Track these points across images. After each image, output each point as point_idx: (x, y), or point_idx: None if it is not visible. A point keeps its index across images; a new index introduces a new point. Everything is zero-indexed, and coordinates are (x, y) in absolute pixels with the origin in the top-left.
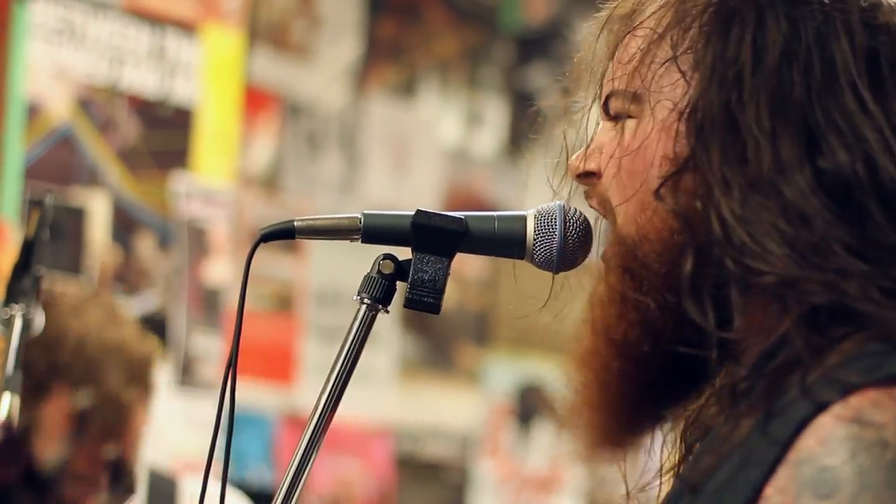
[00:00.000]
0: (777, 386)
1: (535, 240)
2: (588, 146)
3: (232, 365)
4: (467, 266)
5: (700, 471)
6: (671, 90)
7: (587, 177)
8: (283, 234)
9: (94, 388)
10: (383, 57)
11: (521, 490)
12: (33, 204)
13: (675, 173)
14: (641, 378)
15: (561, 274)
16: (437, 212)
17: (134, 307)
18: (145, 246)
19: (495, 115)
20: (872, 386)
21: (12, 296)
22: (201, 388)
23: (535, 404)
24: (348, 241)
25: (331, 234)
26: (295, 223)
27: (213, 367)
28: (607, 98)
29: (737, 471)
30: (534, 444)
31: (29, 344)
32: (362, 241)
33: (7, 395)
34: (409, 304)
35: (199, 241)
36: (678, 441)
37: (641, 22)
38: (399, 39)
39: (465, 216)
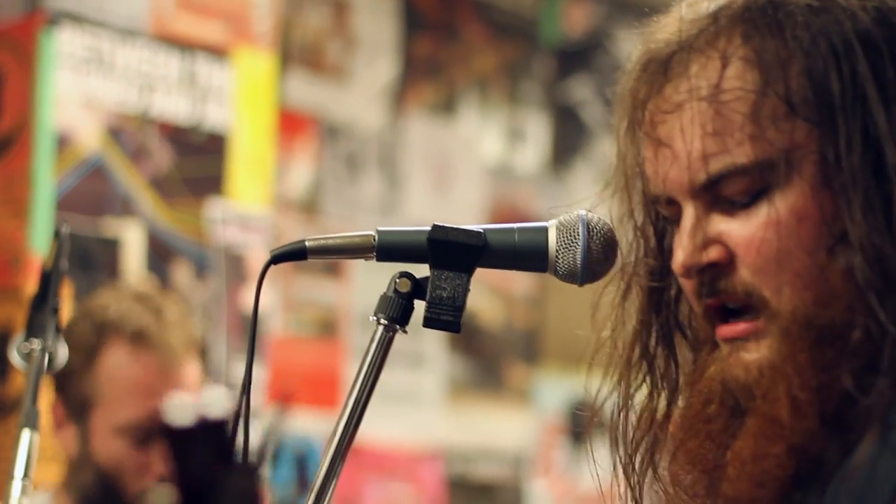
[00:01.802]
0: (891, 404)
1: (557, 251)
2: (691, 237)
3: (246, 389)
4: (515, 283)
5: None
6: (809, 141)
7: (711, 268)
8: (295, 256)
9: (145, 327)
10: (421, 75)
11: None
12: (55, 236)
13: (841, 232)
14: (816, 462)
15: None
16: (454, 226)
17: None
18: (182, 274)
19: (537, 130)
20: None
21: (31, 330)
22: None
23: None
24: (374, 262)
25: (344, 253)
26: (306, 243)
27: (255, 394)
28: (718, 178)
29: (865, 488)
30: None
31: (70, 325)
32: (377, 260)
33: (27, 432)
34: (427, 323)
35: (236, 268)
36: None
37: (717, 87)
38: (436, 57)
39: (484, 229)
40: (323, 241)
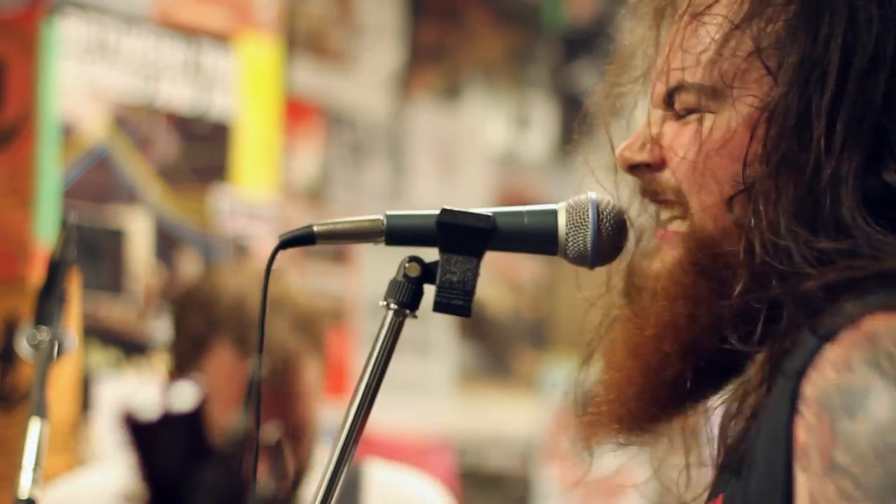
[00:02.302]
0: (787, 336)
1: (567, 234)
2: (639, 136)
3: (256, 376)
4: (523, 271)
5: (736, 448)
6: (756, 87)
7: (641, 168)
8: (303, 240)
9: (254, 335)
10: (426, 61)
11: (586, 497)
12: (63, 226)
13: (748, 185)
14: (687, 373)
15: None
16: (463, 210)
17: None
18: (188, 263)
19: (543, 117)
20: (879, 310)
21: (40, 319)
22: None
23: None
24: (391, 247)
25: (353, 237)
26: (315, 228)
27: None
28: (673, 90)
29: (765, 424)
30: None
31: (184, 303)
32: (386, 244)
33: (36, 421)
34: (437, 307)
35: (243, 257)
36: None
37: (709, 6)
38: (441, 43)
39: (494, 212)
40: (331, 226)
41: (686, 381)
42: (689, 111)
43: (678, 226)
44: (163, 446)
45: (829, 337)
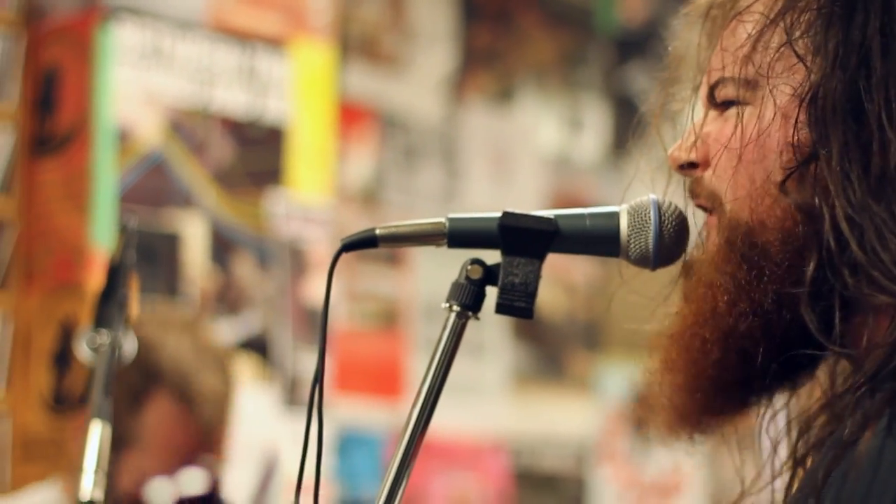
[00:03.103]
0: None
1: (629, 236)
2: (688, 136)
3: (318, 379)
4: (576, 272)
5: (820, 482)
6: (789, 76)
7: (691, 167)
8: (366, 244)
9: (193, 387)
10: (479, 65)
11: (641, 497)
12: (122, 230)
13: (801, 164)
14: (739, 368)
15: (672, 275)
16: (525, 213)
17: (236, 329)
18: (244, 267)
19: (596, 119)
20: None
21: (100, 322)
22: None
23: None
24: (444, 249)
25: (415, 240)
26: (377, 231)
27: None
28: (714, 86)
29: (870, 480)
30: (653, 450)
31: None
32: (449, 246)
33: (98, 422)
34: (500, 309)
35: (298, 260)
36: (790, 451)
37: (749, 7)
38: (494, 46)
39: (555, 215)
40: (394, 229)
41: (733, 370)
42: (729, 104)
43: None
44: None
45: None
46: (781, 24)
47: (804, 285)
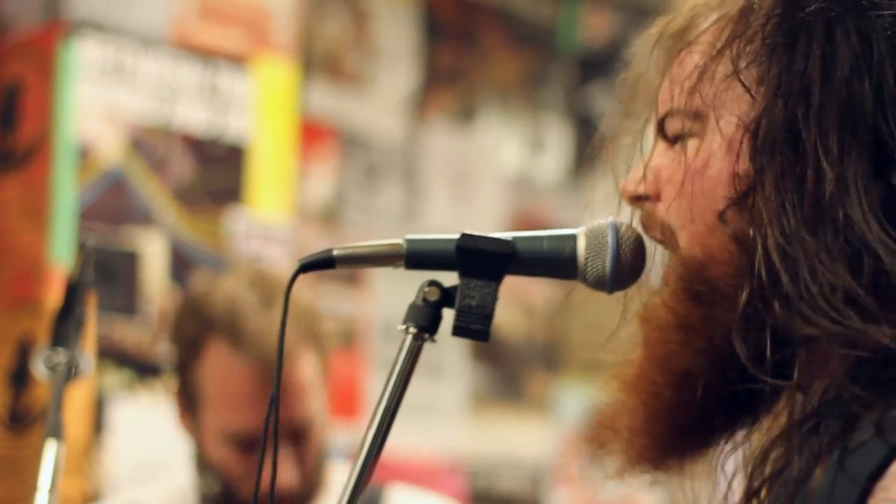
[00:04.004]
0: (850, 427)
1: (586, 258)
2: (641, 169)
3: (275, 401)
4: (534, 293)
5: None
6: (735, 106)
7: (641, 200)
8: (323, 264)
9: (247, 331)
10: (441, 84)
11: None
12: (81, 248)
13: (740, 195)
14: (695, 407)
15: (628, 298)
16: (483, 234)
17: None
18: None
19: (557, 139)
20: None
21: (57, 341)
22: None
23: None
24: (404, 270)
25: (372, 261)
26: (335, 252)
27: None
28: (664, 118)
29: None
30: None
31: (178, 313)
32: (406, 268)
33: (52, 443)
34: (456, 331)
35: None
36: (745, 481)
37: (697, 37)
38: (456, 66)
39: (513, 237)
40: (351, 250)
41: (690, 410)
42: (677, 138)
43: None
44: None
45: None
46: (728, 54)
47: (738, 315)
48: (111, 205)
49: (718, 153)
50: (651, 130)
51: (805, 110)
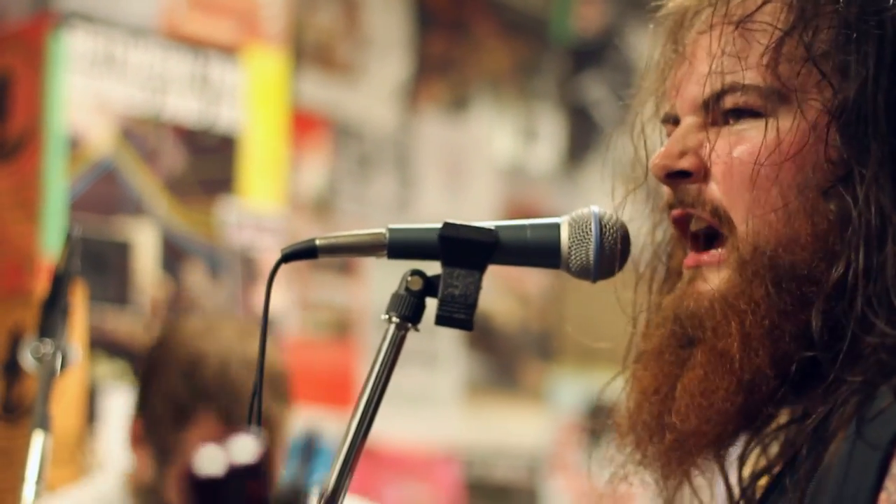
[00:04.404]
0: (867, 401)
1: (570, 247)
2: (675, 143)
3: (257, 391)
4: (530, 282)
5: (795, 492)
6: (816, 91)
7: (681, 177)
8: (305, 254)
9: (240, 408)
10: (433, 73)
11: None
12: (66, 238)
13: (840, 180)
14: (763, 405)
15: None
16: (466, 223)
17: None
18: (195, 275)
19: (550, 129)
20: None
21: (44, 331)
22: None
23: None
24: (398, 260)
25: (355, 251)
26: (317, 242)
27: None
28: (723, 93)
29: (840, 483)
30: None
31: (168, 372)
32: (388, 257)
33: (39, 434)
34: (439, 321)
35: (250, 269)
36: (752, 465)
37: (751, 16)
38: (449, 55)
39: (496, 226)
40: (333, 240)
41: (777, 392)
42: (745, 114)
43: (719, 254)
44: (228, 500)
45: None
46: (798, 38)
47: (825, 294)
48: (102, 195)
49: (809, 138)
50: (673, 105)
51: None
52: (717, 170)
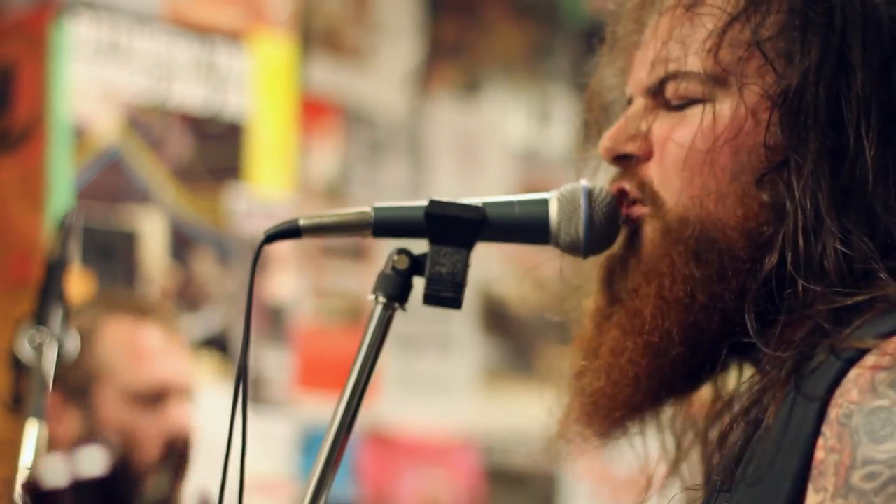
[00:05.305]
0: (804, 357)
1: (559, 223)
2: (625, 127)
3: (242, 376)
4: (545, 266)
5: (736, 454)
6: (758, 77)
7: (626, 159)
8: (289, 234)
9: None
10: (445, 58)
11: (614, 493)
12: (60, 225)
13: (775, 166)
14: (687, 355)
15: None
16: (452, 201)
17: (196, 326)
18: (204, 264)
19: (564, 111)
20: None
21: (40, 320)
22: (270, 406)
23: None
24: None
25: (340, 230)
26: (301, 222)
27: (281, 385)
28: (666, 79)
29: (780, 438)
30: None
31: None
32: (374, 236)
33: (34, 423)
34: (427, 300)
35: (260, 257)
36: (702, 445)
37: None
38: (460, 39)
39: (484, 202)
40: (318, 220)
41: (686, 364)
42: (686, 101)
43: (640, 209)
44: None
45: (854, 360)
46: (746, 23)
47: (757, 282)
48: (109, 184)
49: (746, 123)
50: (628, 87)
51: (847, 91)
52: (657, 154)
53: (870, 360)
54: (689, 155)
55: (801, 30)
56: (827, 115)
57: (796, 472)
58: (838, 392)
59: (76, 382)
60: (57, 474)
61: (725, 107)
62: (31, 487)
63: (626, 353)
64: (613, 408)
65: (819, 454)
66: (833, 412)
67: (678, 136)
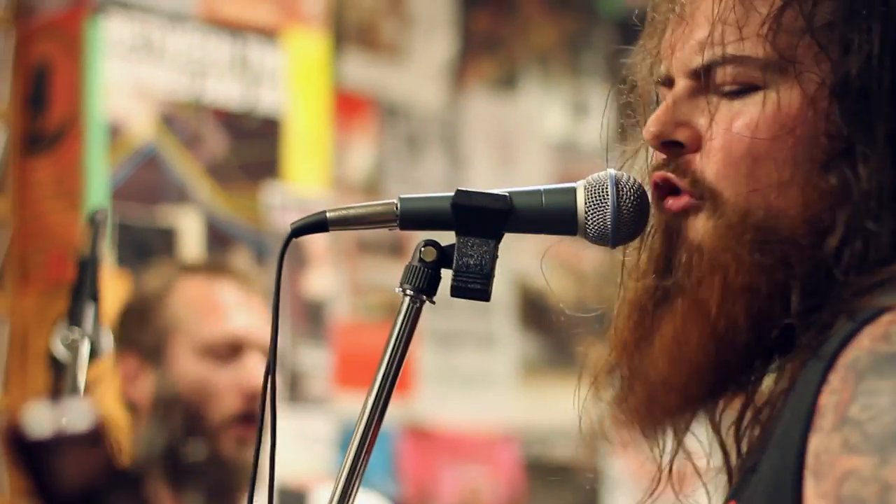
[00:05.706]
0: (826, 327)
1: (586, 213)
2: (669, 111)
3: (271, 371)
4: (584, 259)
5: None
6: (814, 64)
7: (673, 146)
8: (315, 228)
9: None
10: (480, 51)
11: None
12: (91, 223)
13: (839, 156)
14: (752, 344)
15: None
16: (479, 190)
17: None
18: (241, 261)
19: (600, 103)
20: None
21: (73, 319)
22: (310, 403)
23: None
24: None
25: (366, 223)
26: (327, 214)
27: (321, 381)
28: (716, 63)
29: (795, 399)
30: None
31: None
32: (400, 228)
33: None
34: (455, 292)
35: (296, 253)
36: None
37: None
38: (495, 32)
39: (510, 193)
40: (344, 212)
41: (750, 353)
42: (742, 87)
43: (687, 200)
44: (57, 468)
45: (869, 320)
46: (796, 8)
47: (817, 268)
48: (145, 182)
49: (807, 111)
50: (667, 70)
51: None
52: (714, 144)
53: (886, 317)
54: (751, 145)
55: (859, 17)
56: (890, 104)
57: (804, 424)
58: (843, 352)
59: (151, 342)
60: (41, 425)
61: (786, 95)
62: (13, 435)
63: (691, 340)
64: (675, 397)
65: (822, 399)
66: (841, 360)
67: (740, 127)
